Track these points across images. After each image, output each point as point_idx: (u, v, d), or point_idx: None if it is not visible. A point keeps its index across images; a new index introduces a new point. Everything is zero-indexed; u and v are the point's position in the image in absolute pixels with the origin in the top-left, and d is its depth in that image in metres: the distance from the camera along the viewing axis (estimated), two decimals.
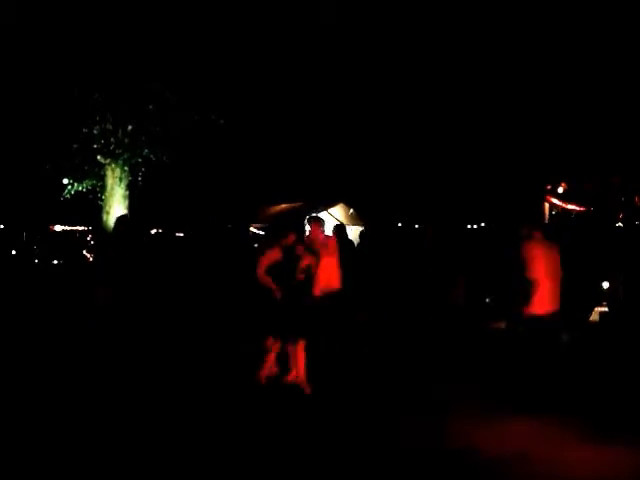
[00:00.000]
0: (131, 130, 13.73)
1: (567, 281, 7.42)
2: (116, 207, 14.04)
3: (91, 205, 15.02)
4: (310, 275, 7.04)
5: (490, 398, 6.72)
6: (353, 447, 5.25)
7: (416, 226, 14.03)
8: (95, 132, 13.67)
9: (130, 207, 14.24)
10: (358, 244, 9.76)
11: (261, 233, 18.14)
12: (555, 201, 13.58)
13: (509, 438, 5.48)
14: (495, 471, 4.76)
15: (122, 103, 13.38)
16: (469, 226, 15.70)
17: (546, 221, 13.28)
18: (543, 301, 6.68)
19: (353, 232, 12.12)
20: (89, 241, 19.87)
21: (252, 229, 19.32)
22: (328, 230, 8.27)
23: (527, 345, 6.75)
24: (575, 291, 7.43)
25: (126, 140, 13.79)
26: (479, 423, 5.88)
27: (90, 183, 14.61)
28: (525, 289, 6.78)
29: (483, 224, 16.03)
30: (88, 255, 18.57)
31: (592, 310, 8.26)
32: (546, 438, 5.45)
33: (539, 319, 6.70)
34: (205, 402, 6.42)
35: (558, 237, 7.67)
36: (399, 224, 14.55)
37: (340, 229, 9.05)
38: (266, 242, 7.38)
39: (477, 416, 6.12)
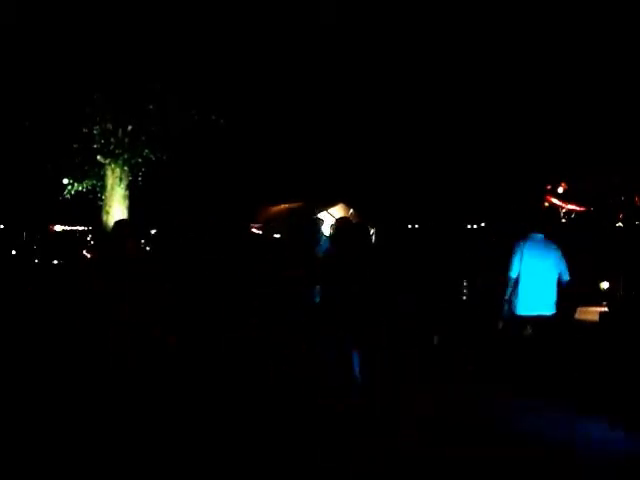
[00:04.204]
0: (131, 130, 13.72)
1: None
2: (116, 207, 14.03)
3: (91, 205, 15.02)
4: None
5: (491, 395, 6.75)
6: (351, 448, 5.25)
7: (416, 226, 14.02)
8: (95, 132, 13.66)
9: (130, 207, 14.23)
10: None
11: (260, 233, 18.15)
12: (555, 201, 13.56)
13: (518, 428, 5.50)
14: (495, 469, 4.78)
15: (122, 103, 13.37)
16: (469, 226, 15.70)
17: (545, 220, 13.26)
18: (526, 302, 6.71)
19: None
20: (89, 241, 19.88)
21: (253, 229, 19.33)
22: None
23: (514, 346, 6.78)
24: (572, 290, 7.46)
25: (126, 140, 13.77)
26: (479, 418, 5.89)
27: (90, 183, 14.60)
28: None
29: (483, 224, 16.02)
30: (88, 255, 18.56)
31: (575, 309, 8.28)
32: (547, 437, 5.46)
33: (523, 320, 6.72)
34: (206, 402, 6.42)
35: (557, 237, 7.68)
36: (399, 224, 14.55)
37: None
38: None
39: (477, 411, 6.13)
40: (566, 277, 6.94)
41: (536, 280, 6.76)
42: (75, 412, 5.95)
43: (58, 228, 23.32)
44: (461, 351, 7.70)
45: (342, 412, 6.17)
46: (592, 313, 9.52)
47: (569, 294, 7.46)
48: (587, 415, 6.08)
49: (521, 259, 6.83)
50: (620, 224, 11.32)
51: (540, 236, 6.91)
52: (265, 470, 4.81)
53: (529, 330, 6.81)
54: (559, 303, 7.34)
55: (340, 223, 7.08)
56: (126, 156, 13.94)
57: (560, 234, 7.88)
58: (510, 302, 6.90)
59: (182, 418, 5.92)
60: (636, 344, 7.64)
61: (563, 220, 13.06)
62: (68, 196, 14.86)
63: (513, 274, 6.89)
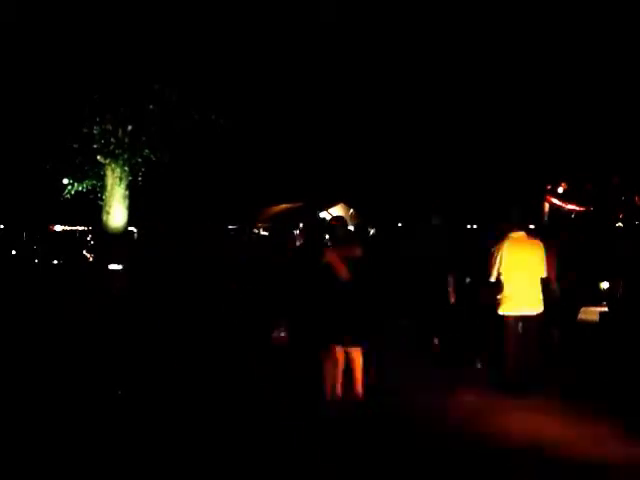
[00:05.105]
0: (131, 130, 13.71)
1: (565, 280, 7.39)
2: (116, 207, 14.03)
3: (91, 205, 15.02)
4: None
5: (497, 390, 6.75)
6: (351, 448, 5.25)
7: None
8: (95, 132, 13.65)
9: (130, 207, 14.24)
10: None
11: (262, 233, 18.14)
12: (555, 201, 13.57)
13: (519, 429, 5.50)
14: (503, 462, 4.79)
15: (122, 103, 13.36)
16: (469, 226, 15.69)
17: (545, 221, 13.28)
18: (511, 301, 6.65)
19: None
20: (89, 241, 19.90)
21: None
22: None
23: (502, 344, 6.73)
24: (570, 290, 7.43)
25: (126, 140, 13.77)
26: (487, 411, 5.89)
27: (90, 183, 14.60)
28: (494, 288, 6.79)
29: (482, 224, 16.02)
30: (88, 255, 18.58)
31: (579, 309, 8.26)
32: (547, 437, 5.46)
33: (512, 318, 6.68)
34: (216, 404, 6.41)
35: (557, 236, 7.67)
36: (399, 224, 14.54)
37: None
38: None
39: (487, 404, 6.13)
40: (543, 274, 6.84)
41: (520, 279, 6.65)
42: (75, 410, 5.95)
43: (58, 228, 23.34)
44: (468, 350, 7.67)
45: (342, 412, 6.16)
46: (592, 313, 9.54)
47: (570, 294, 7.43)
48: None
49: (502, 260, 6.70)
50: (620, 224, 11.31)
51: (521, 233, 6.80)
52: (265, 470, 4.80)
53: (518, 329, 6.71)
54: (560, 303, 7.32)
55: (336, 222, 7.03)
56: (126, 156, 13.93)
57: (560, 234, 7.87)
58: (496, 303, 6.82)
59: (181, 417, 5.92)
60: (636, 344, 7.65)
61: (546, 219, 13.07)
62: (68, 196, 14.86)
63: (493, 278, 6.77)
